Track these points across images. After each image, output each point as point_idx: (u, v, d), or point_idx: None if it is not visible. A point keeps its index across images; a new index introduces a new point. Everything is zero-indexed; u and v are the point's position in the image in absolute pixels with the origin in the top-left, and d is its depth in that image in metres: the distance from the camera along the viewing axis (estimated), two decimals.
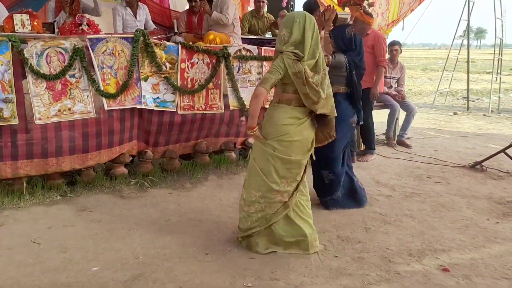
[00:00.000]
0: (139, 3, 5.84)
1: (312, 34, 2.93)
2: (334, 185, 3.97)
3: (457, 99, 12.98)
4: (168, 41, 5.41)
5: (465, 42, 11.34)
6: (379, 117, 7.00)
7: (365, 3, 5.93)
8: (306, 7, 5.83)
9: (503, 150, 5.16)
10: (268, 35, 7.12)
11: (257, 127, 2.98)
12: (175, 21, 5.93)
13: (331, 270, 2.94)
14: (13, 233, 3.35)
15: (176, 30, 5.71)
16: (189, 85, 4.63)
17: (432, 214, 3.94)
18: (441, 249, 3.28)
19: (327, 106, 3.07)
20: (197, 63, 4.65)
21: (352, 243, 3.35)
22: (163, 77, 4.45)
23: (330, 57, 3.86)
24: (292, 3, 7.64)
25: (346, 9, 6.01)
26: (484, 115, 9.92)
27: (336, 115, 3.23)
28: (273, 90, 3.18)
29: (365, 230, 3.59)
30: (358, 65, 3.98)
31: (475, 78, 18.37)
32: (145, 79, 4.37)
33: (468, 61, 11.26)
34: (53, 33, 4.61)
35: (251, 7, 7.95)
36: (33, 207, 3.82)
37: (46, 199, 3.97)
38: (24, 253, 3.05)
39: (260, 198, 3.06)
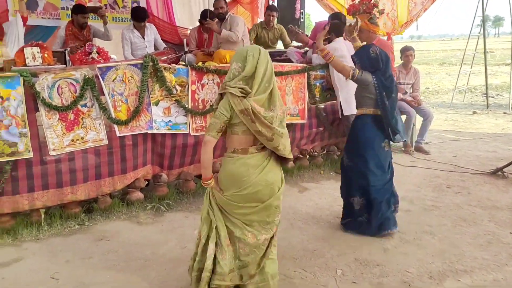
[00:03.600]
0: (146, 23, 5.86)
1: (265, 69, 2.69)
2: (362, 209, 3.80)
3: (476, 95, 12.73)
4: (179, 60, 5.43)
5: (482, 33, 11.06)
6: None
7: (375, 11, 5.84)
8: (335, 17, 5.81)
9: None
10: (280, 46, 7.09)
11: (212, 178, 2.74)
12: (185, 40, 5.93)
13: None
14: (32, 268, 3.38)
15: (186, 49, 5.72)
16: (201, 106, 4.62)
17: (453, 230, 3.85)
18: (463, 270, 3.19)
19: (286, 147, 2.75)
20: (207, 83, 4.64)
21: (371, 266, 3.29)
22: (174, 100, 4.45)
23: (355, 71, 3.73)
24: (303, 12, 7.60)
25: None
26: (505, 112, 9.71)
27: (292, 159, 3.02)
28: None
29: (383, 251, 3.52)
30: (386, 86, 3.69)
31: (494, 70, 17.99)
32: (156, 103, 4.38)
33: (485, 57, 11.01)
34: (64, 62, 4.65)
35: (260, 18, 7.91)
36: (52, 239, 3.86)
37: (65, 229, 4.01)
38: None
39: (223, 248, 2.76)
